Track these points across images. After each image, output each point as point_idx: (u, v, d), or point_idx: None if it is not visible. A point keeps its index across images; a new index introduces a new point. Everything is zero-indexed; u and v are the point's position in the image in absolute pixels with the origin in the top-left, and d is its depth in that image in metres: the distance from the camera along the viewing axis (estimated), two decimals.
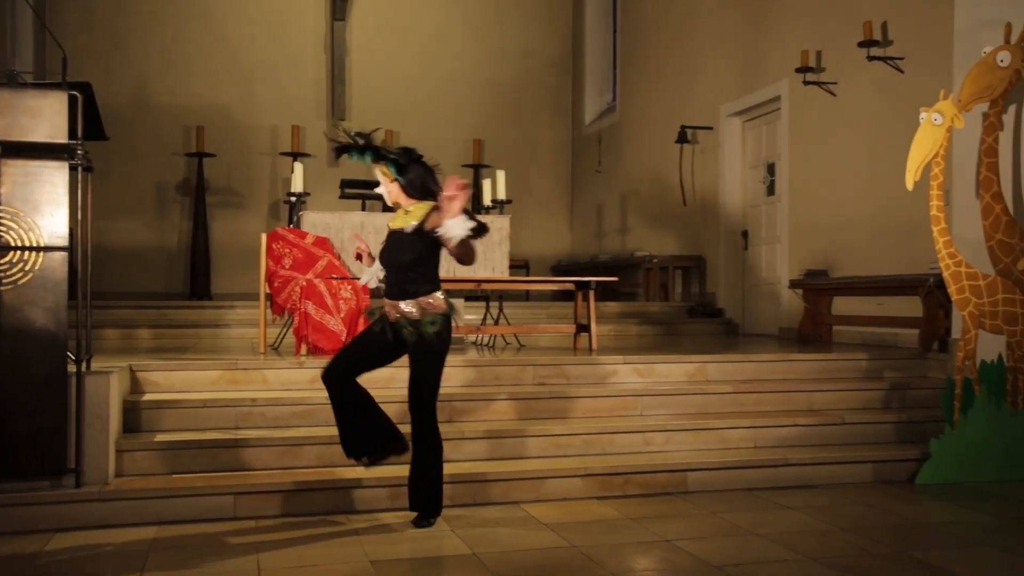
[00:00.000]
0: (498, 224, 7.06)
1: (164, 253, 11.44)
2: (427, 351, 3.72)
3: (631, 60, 11.54)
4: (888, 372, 5.93)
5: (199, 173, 11.12)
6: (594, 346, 6.38)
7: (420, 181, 3.81)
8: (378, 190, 3.93)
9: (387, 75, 12.25)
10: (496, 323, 7.26)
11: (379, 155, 3.82)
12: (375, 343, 3.84)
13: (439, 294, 3.77)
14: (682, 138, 9.69)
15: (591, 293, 6.51)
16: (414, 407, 3.75)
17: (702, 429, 5.00)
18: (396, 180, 3.81)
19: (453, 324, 3.80)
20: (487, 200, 7.70)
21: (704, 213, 9.59)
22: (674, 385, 5.46)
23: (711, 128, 9.43)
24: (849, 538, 3.79)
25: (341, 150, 3.86)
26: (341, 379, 3.82)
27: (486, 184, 7.81)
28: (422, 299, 3.74)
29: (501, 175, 7.60)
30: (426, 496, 3.83)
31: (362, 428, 3.84)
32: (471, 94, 12.59)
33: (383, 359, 3.88)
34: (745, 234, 9.04)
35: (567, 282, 6.87)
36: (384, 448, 3.88)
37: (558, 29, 13.10)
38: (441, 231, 3.56)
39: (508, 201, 7.60)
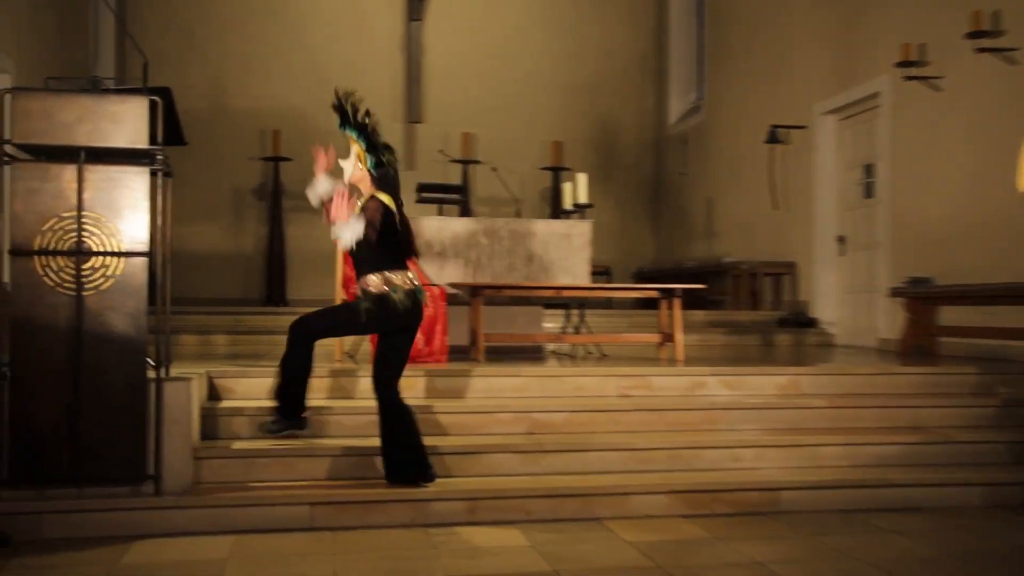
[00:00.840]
0: (579, 229, 7.04)
1: (240, 258, 11.74)
2: (347, 306, 4.34)
3: (719, 57, 11.39)
4: (1000, 388, 5.70)
5: (275, 177, 11.38)
6: (679, 356, 6.31)
7: (391, 179, 4.33)
8: (343, 163, 4.36)
9: (464, 76, 12.36)
10: (577, 332, 7.23)
11: (371, 147, 4.28)
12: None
13: (375, 276, 4.22)
14: (773, 138, 9.52)
15: (676, 301, 6.44)
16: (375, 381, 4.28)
17: (795, 446, 4.89)
18: (369, 171, 4.29)
19: (399, 305, 4.20)
20: (567, 204, 7.69)
21: (796, 217, 9.40)
22: (764, 399, 5.36)
23: (804, 127, 9.24)
24: (958, 566, 3.65)
25: (339, 114, 4.25)
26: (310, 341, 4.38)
27: (566, 188, 7.80)
28: (362, 280, 4.25)
29: (582, 178, 7.58)
30: (391, 462, 4.26)
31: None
32: (550, 94, 12.61)
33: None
34: (841, 239, 8.82)
35: (651, 289, 6.82)
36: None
37: (640, 26, 13.03)
38: (333, 235, 4.11)
39: (589, 205, 7.57)
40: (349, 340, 6.54)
